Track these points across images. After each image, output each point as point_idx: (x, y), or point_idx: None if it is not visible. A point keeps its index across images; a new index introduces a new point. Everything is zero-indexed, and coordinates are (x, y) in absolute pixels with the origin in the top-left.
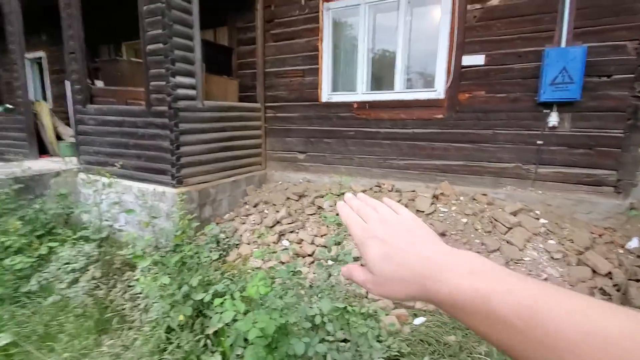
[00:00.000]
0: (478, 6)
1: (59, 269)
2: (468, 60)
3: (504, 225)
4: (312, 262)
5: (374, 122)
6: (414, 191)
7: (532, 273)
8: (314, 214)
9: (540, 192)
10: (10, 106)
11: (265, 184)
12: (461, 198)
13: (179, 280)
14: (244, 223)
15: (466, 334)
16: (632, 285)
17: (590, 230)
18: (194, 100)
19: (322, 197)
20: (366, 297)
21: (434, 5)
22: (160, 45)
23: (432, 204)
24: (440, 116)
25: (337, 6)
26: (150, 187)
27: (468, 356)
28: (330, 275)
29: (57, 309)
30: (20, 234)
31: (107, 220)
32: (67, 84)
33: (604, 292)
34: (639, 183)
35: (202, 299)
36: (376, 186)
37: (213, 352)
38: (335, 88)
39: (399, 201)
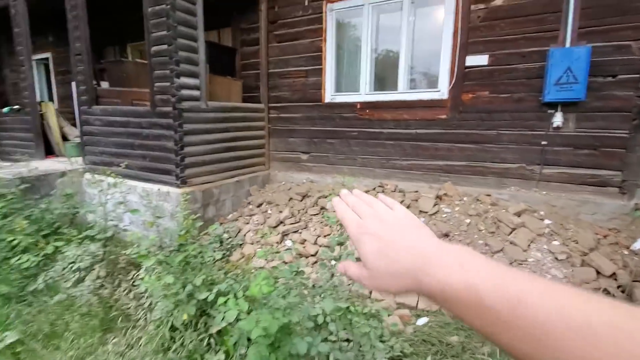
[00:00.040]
0: (482, 6)
1: (65, 268)
2: (472, 60)
3: (508, 226)
4: (315, 262)
5: (377, 122)
6: (417, 191)
7: (536, 274)
8: (317, 214)
9: (544, 192)
10: (17, 107)
11: (268, 184)
12: (464, 199)
13: (183, 279)
14: (247, 223)
15: (469, 335)
16: (636, 286)
17: (595, 231)
18: (198, 101)
19: (325, 197)
20: (369, 298)
21: (437, 5)
22: (165, 46)
23: (436, 204)
24: (443, 116)
25: (340, 7)
26: (154, 187)
27: (471, 357)
28: (333, 275)
29: (63, 308)
30: (27, 233)
31: (112, 220)
32: (73, 84)
33: (608, 294)
34: None
35: (205, 298)
36: (379, 186)
37: (217, 351)
38: (338, 89)
39: (402, 202)
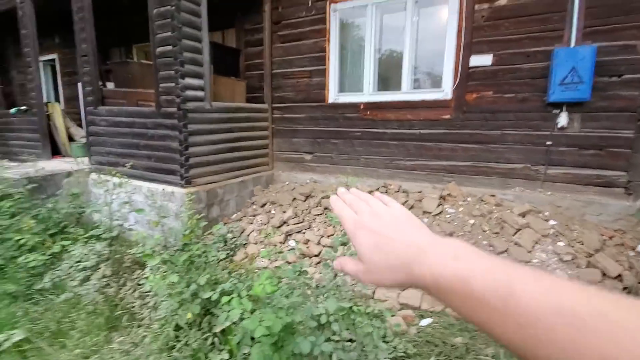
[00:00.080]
0: (486, 6)
1: (71, 267)
2: (476, 60)
3: (512, 227)
4: (319, 263)
5: (381, 122)
6: (420, 192)
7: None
8: (321, 214)
9: (549, 193)
10: (24, 107)
11: (272, 184)
12: (469, 199)
13: (187, 278)
14: (251, 223)
15: (473, 336)
16: None
17: (600, 232)
18: (203, 102)
19: (329, 197)
20: (372, 298)
21: (441, 5)
22: (170, 47)
23: (439, 204)
24: (447, 117)
25: (344, 7)
26: (159, 187)
27: (475, 358)
28: (336, 275)
29: (69, 306)
30: (34, 232)
31: (117, 220)
32: (79, 85)
33: None
34: None
35: (209, 298)
36: (383, 187)
37: (220, 350)
38: (342, 89)
39: (405, 202)
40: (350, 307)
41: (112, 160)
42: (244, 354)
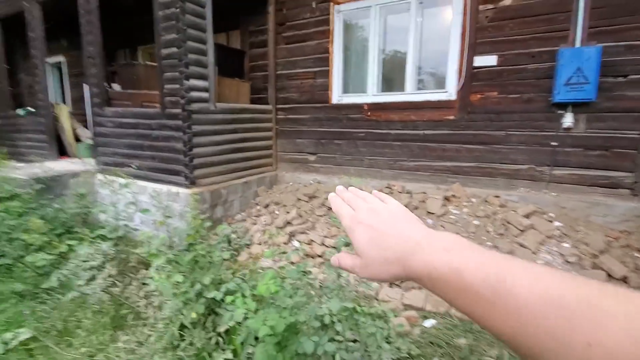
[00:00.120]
0: (490, 6)
1: (78, 266)
2: (480, 60)
3: (517, 228)
4: (322, 263)
5: (385, 123)
6: (424, 193)
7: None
8: (324, 215)
9: (554, 194)
10: (32, 109)
11: (276, 185)
12: (473, 200)
13: (192, 278)
14: (255, 223)
15: (477, 338)
16: None
17: (606, 233)
18: (207, 103)
19: None
20: (376, 299)
21: (445, 6)
22: (175, 49)
23: (443, 205)
24: (451, 117)
25: (347, 8)
26: (164, 187)
27: (478, 359)
28: (339, 276)
29: (76, 305)
30: (41, 232)
31: (123, 220)
32: (86, 87)
33: None
34: None
35: (214, 297)
36: (386, 187)
37: (224, 350)
38: (345, 90)
39: (409, 202)
40: (354, 308)
41: (118, 161)
42: (248, 353)
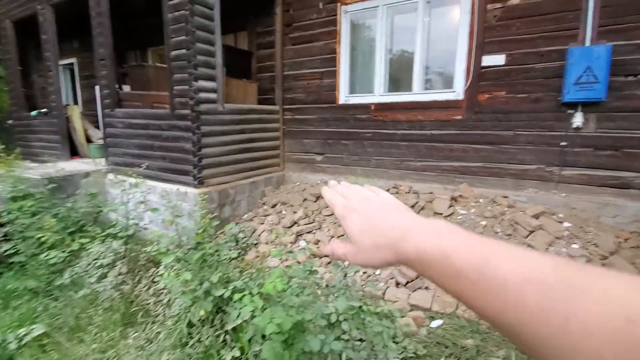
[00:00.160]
0: (498, 5)
1: (89, 264)
2: (488, 60)
3: (525, 229)
4: (329, 263)
5: (391, 123)
6: (431, 193)
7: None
8: (331, 215)
9: (563, 194)
10: (45, 110)
11: (283, 185)
12: (480, 200)
13: (200, 276)
14: (262, 223)
15: (484, 338)
16: None
17: (616, 234)
18: (215, 104)
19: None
20: (382, 299)
21: (453, 5)
22: (184, 51)
23: (451, 206)
24: (459, 117)
25: (354, 9)
26: (173, 187)
27: None
28: (346, 275)
29: (87, 302)
30: (54, 230)
31: (133, 219)
32: (97, 88)
33: None
34: None
35: (221, 295)
36: (393, 188)
37: (232, 348)
38: (352, 90)
39: (416, 203)
40: (360, 307)
41: (128, 161)
42: (255, 351)
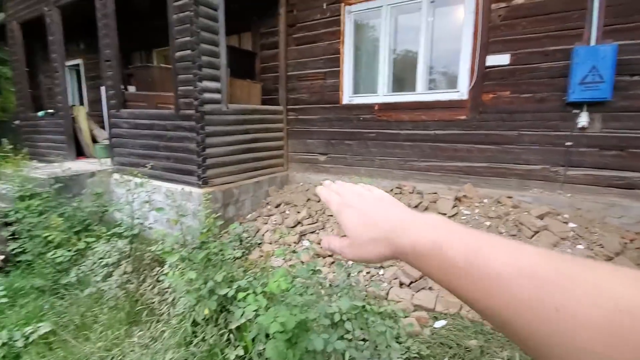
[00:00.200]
0: (503, 5)
1: (95, 263)
2: (492, 60)
3: (530, 229)
4: (332, 263)
5: (395, 123)
6: (435, 193)
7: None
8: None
9: (569, 195)
10: (51, 111)
11: (286, 185)
12: (485, 201)
13: (205, 275)
14: (266, 223)
15: (488, 339)
16: None
17: (621, 235)
18: (219, 104)
19: None
20: (386, 299)
21: (457, 5)
22: (188, 51)
23: (455, 206)
24: (463, 117)
25: (358, 9)
26: (178, 187)
27: None
28: (349, 275)
29: (93, 301)
30: (60, 229)
31: (138, 218)
32: (102, 89)
33: None
34: None
35: (226, 294)
36: (397, 188)
37: (236, 347)
38: (356, 90)
39: (419, 203)
40: (363, 307)
41: (133, 161)
42: (259, 350)
